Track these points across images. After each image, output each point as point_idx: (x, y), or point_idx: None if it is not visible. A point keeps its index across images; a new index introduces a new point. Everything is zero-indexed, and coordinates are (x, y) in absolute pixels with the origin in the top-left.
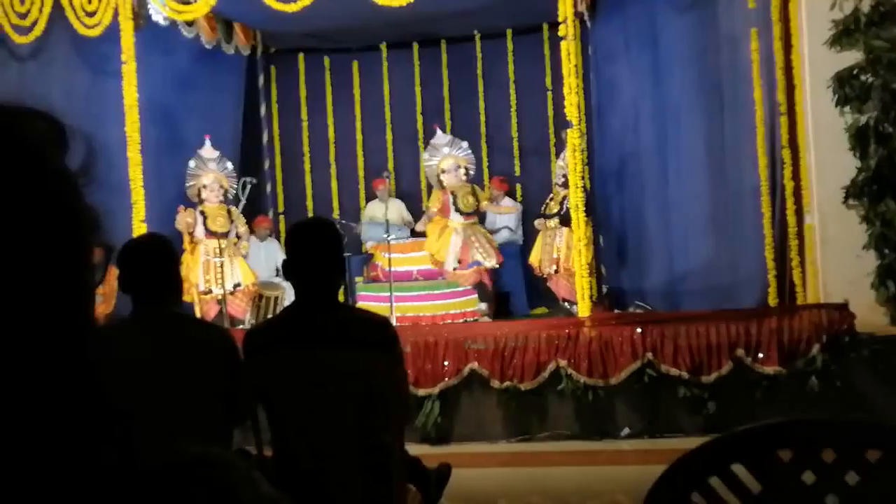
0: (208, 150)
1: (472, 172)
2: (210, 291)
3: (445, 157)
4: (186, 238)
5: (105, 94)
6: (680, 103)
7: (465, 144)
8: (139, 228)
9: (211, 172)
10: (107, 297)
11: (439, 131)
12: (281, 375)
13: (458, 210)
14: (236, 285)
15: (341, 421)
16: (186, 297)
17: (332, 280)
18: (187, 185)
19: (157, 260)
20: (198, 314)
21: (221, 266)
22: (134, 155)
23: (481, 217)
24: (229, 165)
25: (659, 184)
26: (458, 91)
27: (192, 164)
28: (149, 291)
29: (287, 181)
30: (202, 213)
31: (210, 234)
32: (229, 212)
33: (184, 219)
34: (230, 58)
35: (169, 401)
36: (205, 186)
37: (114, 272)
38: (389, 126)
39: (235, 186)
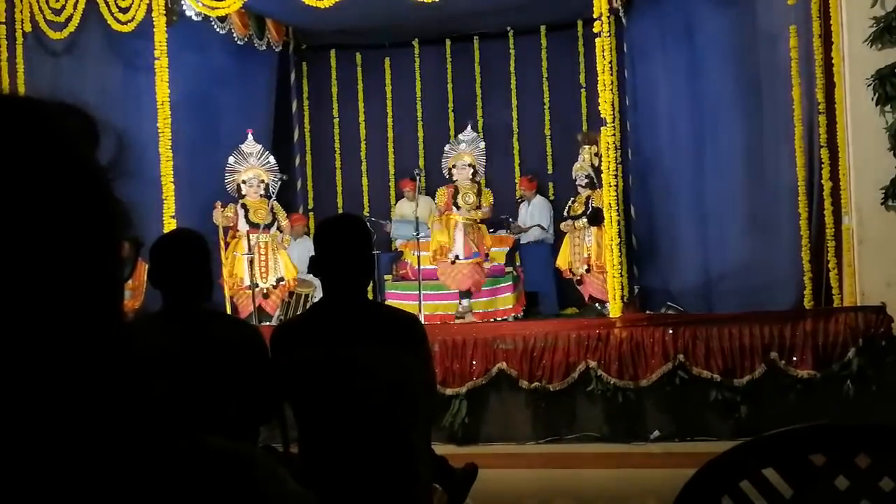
0: (250, 145)
1: (479, 174)
2: (257, 286)
3: (460, 154)
4: (228, 233)
5: (138, 90)
6: (716, 101)
7: (482, 145)
8: (169, 224)
9: (251, 168)
10: (136, 292)
11: (469, 128)
12: (308, 372)
13: (456, 206)
14: (279, 279)
15: (368, 419)
16: (228, 291)
17: (361, 277)
18: (226, 180)
19: (188, 255)
20: (228, 309)
21: (266, 260)
22: (165, 150)
23: (490, 220)
24: (271, 160)
25: (694, 183)
26: (491, 88)
27: (231, 159)
28: (179, 287)
29: (317, 178)
30: (243, 205)
31: (253, 226)
32: (270, 207)
33: (222, 214)
34: (262, 53)
35: (196, 397)
36: (244, 182)
37: (143, 267)
38: (421, 123)
39: (276, 180)
